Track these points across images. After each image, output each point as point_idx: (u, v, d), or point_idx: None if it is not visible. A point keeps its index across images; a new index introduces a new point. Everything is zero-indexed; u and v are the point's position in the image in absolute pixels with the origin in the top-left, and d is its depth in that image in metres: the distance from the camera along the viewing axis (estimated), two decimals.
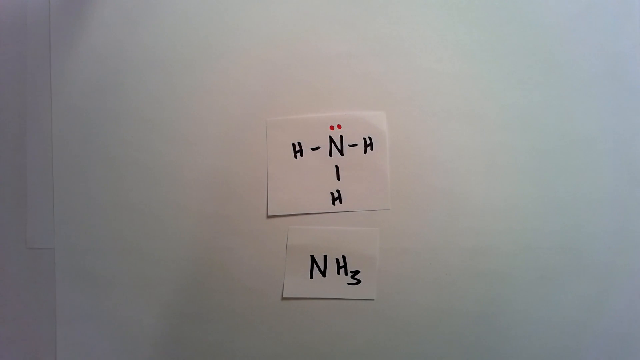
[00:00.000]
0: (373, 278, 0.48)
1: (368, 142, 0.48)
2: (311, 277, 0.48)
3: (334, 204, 0.48)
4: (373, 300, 0.48)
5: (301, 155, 0.48)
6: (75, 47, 0.48)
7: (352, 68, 0.48)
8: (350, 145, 0.48)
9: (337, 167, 0.48)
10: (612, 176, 0.48)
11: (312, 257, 0.48)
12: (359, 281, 0.48)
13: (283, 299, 0.48)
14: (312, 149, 0.48)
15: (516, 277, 0.48)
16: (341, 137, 0.48)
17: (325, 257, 0.48)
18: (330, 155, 0.48)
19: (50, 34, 0.49)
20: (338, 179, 0.48)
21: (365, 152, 0.48)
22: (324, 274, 0.48)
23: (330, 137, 0.48)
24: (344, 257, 0.48)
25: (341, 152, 0.48)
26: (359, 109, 0.48)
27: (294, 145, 0.48)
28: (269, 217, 0.48)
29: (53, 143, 0.49)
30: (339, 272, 0.48)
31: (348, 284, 0.48)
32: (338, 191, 0.48)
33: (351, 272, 0.48)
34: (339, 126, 0.48)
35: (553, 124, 0.48)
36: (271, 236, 0.48)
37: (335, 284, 0.48)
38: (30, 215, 0.49)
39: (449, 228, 0.47)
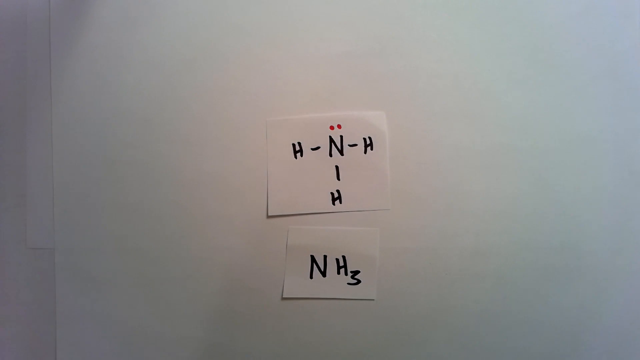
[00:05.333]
0: (373, 278, 0.48)
1: (368, 142, 0.48)
2: (311, 277, 0.48)
3: (334, 204, 0.48)
4: (373, 300, 0.48)
5: (301, 155, 0.48)
6: (75, 47, 0.48)
7: (352, 68, 0.48)
8: (350, 145, 0.48)
9: (337, 167, 0.48)
10: (612, 176, 0.48)
11: (312, 257, 0.48)
12: (359, 281, 0.48)
13: (283, 299, 0.48)
14: (312, 149, 0.48)
15: (516, 277, 0.48)
16: (341, 137, 0.48)
17: (325, 257, 0.48)
18: (330, 155, 0.48)
19: (50, 34, 0.49)
20: (338, 179, 0.48)
21: (365, 152, 0.48)
22: (324, 274, 0.48)
23: (330, 137, 0.48)
24: (344, 257, 0.48)
25: (341, 152, 0.48)
26: (359, 109, 0.48)
27: (294, 145, 0.48)
28: (269, 217, 0.48)
29: (53, 143, 0.49)
30: (339, 272, 0.48)
31: (348, 284, 0.48)
32: (338, 191, 0.48)
33: (351, 272, 0.48)
34: (339, 126, 0.48)
35: (553, 124, 0.48)
36: (271, 236, 0.48)
37: (335, 284, 0.48)
38: (30, 215, 0.49)
39: (449, 228, 0.47)
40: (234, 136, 0.48)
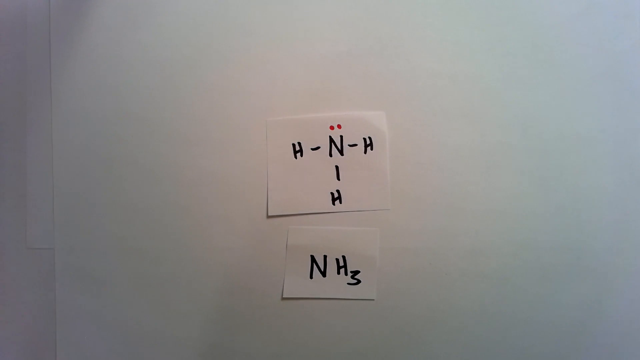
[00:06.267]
0: (373, 278, 0.48)
1: (368, 142, 0.48)
2: (311, 277, 0.48)
3: (334, 204, 0.48)
4: (373, 300, 0.48)
5: (301, 155, 0.48)
6: (75, 47, 0.48)
7: (352, 68, 0.48)
8: (350, 145, 0.48)
9: (337, 167, 0.48)
10: (612, 176, 0.48)
11: (312, 257, 0.48)
12: (359, 281, 0.48)
13: (283, 299, 0.48)
14: (312, 149, 0.48)
15: (516, 277, 0.48)
16: (341, 137, 0.48)
17: (325, 257, 0.48)
18: (330, 155, 0.48)
19: (50, 34, 0.49)
20: (338, 179, 0.48)
21: (365, 152, 0.48)
22: (324, 274, 0.48)
23: (330, 137, 0.48)
24: (344, 257, 0.48)
25: (341, 152, 0.48)
26: (359, 109, 0.48)
27: (294, 145, 0.48)
28: (269, 217, 0.48)
29: (53, 143, 0.49)
30: (339, 272, 0.48)
31: (348, 284, 0.48)
32: (338, 191, 0.48)
33: (351, 272, 0.48)
34: (339, 126, 0.48)
35: (553, 124, 0.48)
36: (271, 236, 0.48)
37: (335, 284, 0.48)
38: (30, 215, 0.49)
39: (449, 228, 0.47)
40: (234, 136, 0.48)
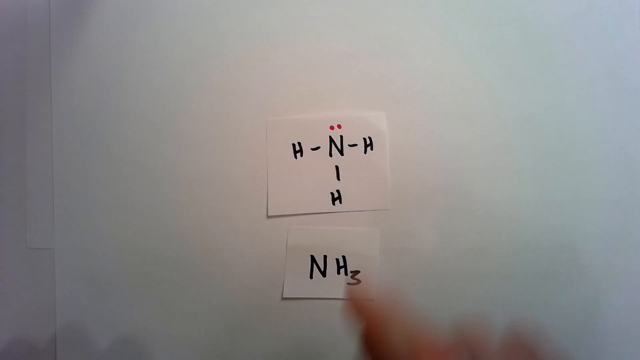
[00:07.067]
0: (373, 278, 0.48)
1: (368, 142, 0.48)
2: (311, 277, 0.48)
3: (334, 204, 0.48)
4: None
5: (301, 155, 0.48)
6: (75, 47, 0.48)
7: (352, 68, 0.48)
8: (350, 145, 0.48)
9: (337, 167, 0.48)
10: (612, 176, 0.48)
11: (312, 257, 0.48)
12: (359, 281, 0.48)
13: (283, 299, 0.48)
14: (312, 149, 0.48)
15: (516, 277, 0.48)
16: (341, 137, 0.48)
17: (325, 257, 0.48)
18: (330, 155, 0.48)
19: (50, 34, 0.49)
20: (338, 179, 0.48)
21: (365, 152, 0.48)
22: (324, 274, 0.48)
23: (330, 137, 0.48)
24: (344, 257, 0.48)
25: (341, 152, 0.48)
26: (359, 109, 0.48)
27: (294, 145, 0.48)
28: (269, 217, 0.48)
29: (53, 143, 0.49)
30: (339, 272, 0.48)
31: (348, 284, 0.48)
32: (338, 191, 0.48)
33: (351, 272, 0.48)
34: (339, 126, 0.48)
35: (553, 124, 0.48)
36: (271, 236, 0.48)
37: (335, 284, 0.48)
38: (30, 215, 0.49)
39: (449, 228, 0.47)
40: (234, 136, 0.48)
